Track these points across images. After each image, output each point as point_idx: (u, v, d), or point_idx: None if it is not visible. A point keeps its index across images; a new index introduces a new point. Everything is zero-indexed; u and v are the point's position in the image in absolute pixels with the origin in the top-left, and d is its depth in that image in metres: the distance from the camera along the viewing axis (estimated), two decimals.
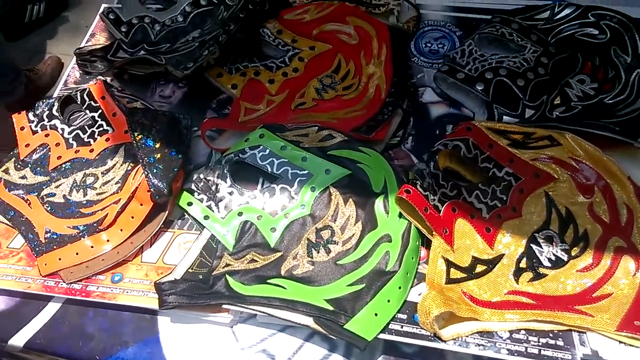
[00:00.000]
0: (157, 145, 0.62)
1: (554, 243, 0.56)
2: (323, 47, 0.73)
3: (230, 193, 0.61)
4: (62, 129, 0.69)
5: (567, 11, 0.70)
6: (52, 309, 0.58)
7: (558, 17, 0.70)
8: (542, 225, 0.57)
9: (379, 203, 0.58)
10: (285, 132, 0.63)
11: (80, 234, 0.61)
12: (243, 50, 0.72)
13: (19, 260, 0.61)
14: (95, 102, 0.70)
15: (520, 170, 0.59)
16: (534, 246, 0.56)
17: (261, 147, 0.62)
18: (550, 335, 0.50)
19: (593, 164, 0.59)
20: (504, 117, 0.65)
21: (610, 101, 0.64)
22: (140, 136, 0.62)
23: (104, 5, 0.84)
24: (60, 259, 0.59)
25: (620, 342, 0.49)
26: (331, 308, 0.52)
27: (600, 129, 0.61)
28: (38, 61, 1.81)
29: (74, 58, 0.78)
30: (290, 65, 0.72)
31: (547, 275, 0.54)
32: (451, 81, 0.67)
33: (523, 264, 0.55)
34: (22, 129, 0.70)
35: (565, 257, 0.55)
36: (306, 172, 0.60)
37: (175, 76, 0.70)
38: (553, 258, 0.55)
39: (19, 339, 0.57)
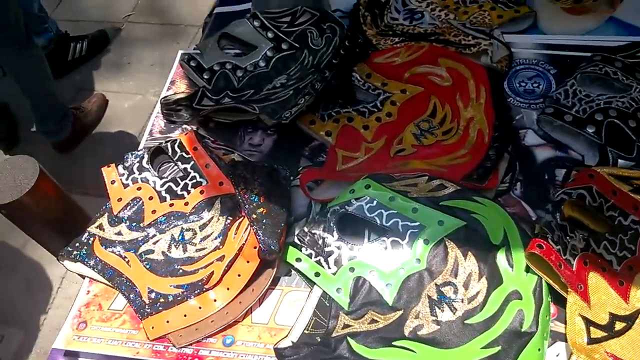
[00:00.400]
0: (261, 200, 0.61)
1: None
2: (415, 90, 0.72)
3: (339, 247, 0.59)
4: (154, 182, 0.69)
5: None
6: None
7: None
8: None
9: (500, 256, 0.56)
10: (393, 182, 0.61)
11: (185, 293, 0.59)
12: (334, 96, 0.71)
13: (122, 323, 0.60)
14: (187, 153, 0.69)
15: None
16: None
17: (368, 198, 0.60)
18: None
19: None
20: (619, 160, 0.62)
21: None
22: (244, 190, 0.61)
23: (180, 52, 0.84)
24: (168, 322, 0.58)
25: None
26: None
27: None
28: (83, 99, 1.84)
29: (158, 106, 0.78)
30: (383, 109, 0.71)
31: None
32: (557, 124, 0.66)
33: None
34: (112, 182, 0.69)
35: None
36: (418, 223, 0.58)
37: (264, 123, 0.70)
38: None
39: None
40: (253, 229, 0.58)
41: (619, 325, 0.52)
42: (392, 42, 0.77)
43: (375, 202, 0.60)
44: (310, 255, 0.59)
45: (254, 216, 0.59)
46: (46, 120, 1.67)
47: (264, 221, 0.59)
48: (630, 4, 0.79)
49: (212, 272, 0.60)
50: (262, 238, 0.58)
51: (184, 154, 0.69)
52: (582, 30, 0.77)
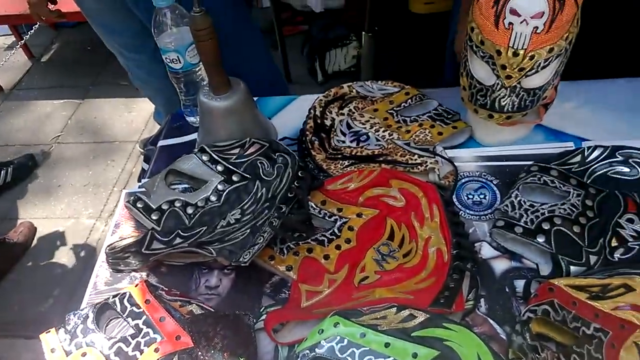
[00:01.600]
0: (225, 355, 0.59)
1: None
2: (370, 213, 0.75)
3: None
4: (102, 345, 0.65)
5: (596, 152, 0.77)
6: None
7: (589, 159, 0.77)
8: None
9: None
10: (362, 317, 0.62)
11: None
12: (294, 229, 0.72)
13: None
14: (138, 307, 0.66)
15: (606, 324, 0.60)
16: None
17: (338, 337, 0.60)
18: None
19: None
20: (571, 267, 0.67)
21: None
22: (206, 348, 0.59)
23: (124, 192, 0.84)
24: None
25: None
26: None
27: None
28: (9, 229, 1.75)
29: (104, 257, 0.76)
30: (342, 236, 0.73)
31: None
32: (509, 235, 0.70)
33: None
34: (52, 350, 0.65)
35: None
36: (392, 358, 0.58)
37: (219, 262, 0.69)
38: None
39: None
40: None
41: None
42: (343, 166, 0.81)
43: (346, 340, 0.60)
44: None
45: None
46: None
47: None
48: (554, 112, 0.90)
49: None
50: None
51: (134, 308, 0.66)
52: (514, 140, 0.86)
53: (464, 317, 0.66)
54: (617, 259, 0.68)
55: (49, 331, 0.66)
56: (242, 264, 0.66)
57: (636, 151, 0.76)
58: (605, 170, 0.77)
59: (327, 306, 0.67)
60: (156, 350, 0.63)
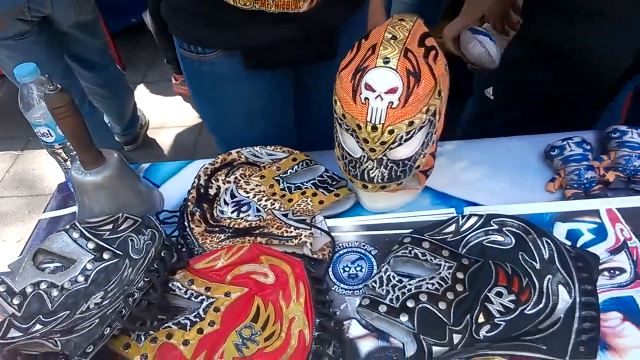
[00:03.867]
0: None
1: None
2: (239, 291, 0.73)
3: None
4: None
5: (471, 221, 0.77)
6: None
7: (464, 228, 0.77)
8: None
9: None
10: None
11: None
12: (157, 314, 0.70)
13: None
14: None
15: None
16: None
17: None
18: None
19: None
20: (434, 347, 0.65)
21: (530, 312, 0.67)
22: None
23: None
24: None
25: None
26: None
27: (529, 350, 0.63)
28: None
29: None
30: (206, 318, 0.71)
31: None
32: (375, 314, 0.69)
33: None
34: None
35: None
36: None
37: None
38: None
39: None
40: None
41: None
42: (219, 240, 0.80)
43: None
44: None
45: None
46: None
47: None
48: (442, 174, 0.90)
49: None
50: None
51: None
52: (399, 205, 0.86)
53: None
54: (482, 336, 0.66)
55: None
56: (84, 358, 0.63)
57: (510, 220, 0.76)
58: (480, 239, 0.76)
59: None
60: None
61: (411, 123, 0.70)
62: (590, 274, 0.70)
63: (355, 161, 0.75)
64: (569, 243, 0.77)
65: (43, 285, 0.76)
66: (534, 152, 0.92)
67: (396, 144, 0.71)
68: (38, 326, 0.72)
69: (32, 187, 2.07)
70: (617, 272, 0.74)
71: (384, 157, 0.73)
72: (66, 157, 0.88)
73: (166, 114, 2.37)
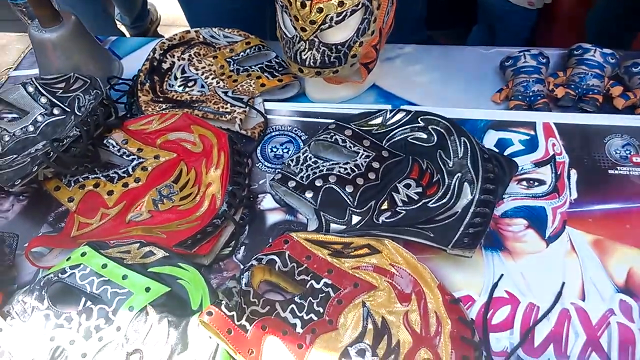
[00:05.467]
0: None
1: (365, 356, 0.58)
2: (168, 156, 0.77)
3: (47, 316, 0.62)
4: None
5: (398, 116, 0.77)
6: None
7: (391, 122, 0.77)
8: (357, 337, 0.59)
9: (194, 322, 0.60)
10: (109, 249, 0.66)
11: None
12: (79, 163, 0.75)
13: None
14: None
15: (339, 281, 0.63)
16: None
17: (82, 265, 0.64)
18: None
19: (410, 271, 0.63)
20: (332, 224, 0.69)
21: (433, 205, 0.69)
22: None
23: None
24: None
25: None
26: None
27: (416, 235, 0.66)
28: None
29: None
30: (133, 175, 0.76)
31: None
32: (286, 189, 0.72)
33: None
34: None
35: None
36: (126, 290, 0.62)
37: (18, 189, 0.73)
38: None
39: None
40: None
41: None
42: (160, 109, 0.83)
43: (88, 269, 0.64)
44: (14, 325, 0.62)
45: None
46: None
47: None
48: (393, 74, 0.89)
49: None
50: None
51: None
52: (343, 98, 0.86)
53: (218, 260, 0.70)
54: (381, 221, 0.69)
55: None
56: (12, 189, 0.70)
57: (437, 118, 0.76)
58: (405, 135, 0.77)
59: (93, 238, 0.70)
60: None
61: (342, 3, 0.69)
62: (498, 176, 0.70)
63: (289, 41, 0.75)
64: (496, 150, 0.77)
65: None
66: (494, 64, 0.90)
67: (326, 25, 0.71)
68: None
69: None
70: (535, 183, 0.75)
71: (316, 39, 0.73)
72: (30, 17, 0.91)
73: (178, 12, 2.35)
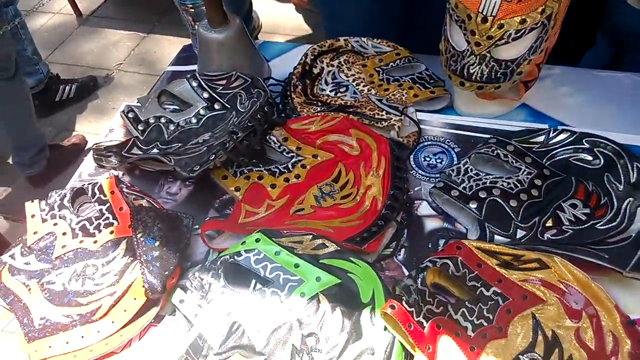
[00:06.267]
0: (157, 244, 0.70)
1: None
2: (325, 156, 0.82)
3: (222, 293, 0.67)
4: (71, 219, 0.78)
5: (562, 136, 0.78)
6: None
7: (553, 141, 0.78)
8: (527, 347, 0.60)
9: (365, 314, 0.63)
10: (281, 238, 0.70)
11: (74, 322, 0.67)
12: (249, 156, 0.81)
13: (11, 344, 0.67)
14: (105, 195, 0.79)
15: (508, 291, 0.64)
16: None
17: (256, 250, 0.69)
18: None
19: (581, 290, 0.64)
20: (496, 236, 0.70)
21: (601, 227, 0.69)
22: (141, 234, 0.70)
23: (125, 103, 0.96)
24: (50, 347, 0.65)
25: None
26: None
27: (590, 255, 0.66)
28: (64, 138, 1.99)
29: (91, 152, 0.89)
30: (293, 171, 0.81)
31: None
32: (445, 197, 0.74)
33: None
34: (32, 216, 0.79)
35: None
36: (297, 277, 0.66)
37: (183, 175, 0.80)
38: None
39: None
40: (141, 270, 0.67)
41: None
42: (315, 111, 0.88)
43: (262, 255, 0.69)
44: (193, 298, 0.67)
45: (145, 258, 0.67)
46: (22, 153, 1.81)
47: (154, 263, 0.68)
48: (543, 95, 0.90)
49: (100, 306, 0.67)
50: (148, 278, 0.66)
51: (101, 196, 0.79)
52: (492, 114, 0.88)
53: (380, 260, 0.72)
54: (546, 238, 0.70)
55: (33, 201, 0.80)
56: (191, 174, 0.76)
57: (604, 141, 0.77)
58: (567, 155, 0.78)
59: (259, 226, 0.75)
60: (111, 232, 0.76)
61: (523, 21, 0.72)
62: None
63: (458, 55, 0.78)
64: None
65: (163, 120, 0.90)
66: None
67: (503, 41, 0.73)
68: (155, 150, 0.86)
69: (152, 67, 2.30)
70: None
71: (488, 54, 0.76)
72: (194, 17, 0.99)
73: (279, 21, 2.47)
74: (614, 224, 0.69)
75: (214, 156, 0.77)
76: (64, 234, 0.77)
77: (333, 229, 0.72)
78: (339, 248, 0.68)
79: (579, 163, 0.77)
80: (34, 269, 0.73)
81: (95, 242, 0.75)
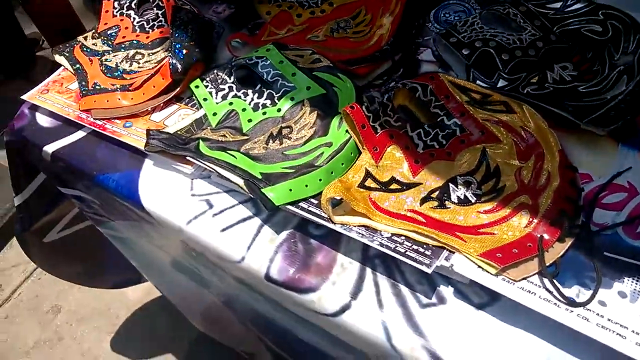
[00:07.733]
0: (187, 38, 0.87)
1: (470, 188, 0.68)
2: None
3: (230, 87, 0.83)
4: (134, 18, 0.98)
5: (578, 5, 0.81)
6: (79, 134, 0.86)
7: (569, 9, 0.81)
8: (467, 172, 0.70)
9: (336, 120, 0.76)
10: (287, 50, 0.83)
11: (116, 89, 0.87)
12: None
13: (70, 97, 0.90)
14: (162, 2, 0.97)
15: (468, 125, 0.73)
16: (451, 185, 0.69)
17: (265, 57, 0.83)
18: (424, 245, 0.63)
19: (537, 135, 0.71)
20: (477, 81, 0.78)
21: (583, 90, 0.74)
22: (176, 28, 0.87)
23: None
24: (95, 102, 0.86)
25: (478, 266, 0.61)
26: (259, 177, 0.71)
27: (555, 106, 0.72)
28: None
29: None
30: (320, 7, 0.92)
31: (449, 208, 0.67)
32: (444, 44, 0.82)
33: (434, 195, 0.69)
34: (106, 12, 1.00)
35: (473, 200, 0.67)
36: (292, 85, 0.80)
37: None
38: (462, 198, 0.68)
39: (51, 148, 0.85)
40: (168, 54, 0.84)
41: (394, 186, 0.70)
42: None
43: (268, 62, 0.83)
44: (207, 86, 0.84)
45: (174, 45, 0.85)
46: None
47: (181, 50, 0.85)
48: None
49: (137, 81, 0.87)
50: (172, 61, 0.84)
51: (160, 2, 0.97)
52: None
53: (369, 87, 0.84)
54: (525, 92, 0.76)
55: (109, 1, 1.01)
56: None
57: (621, 14, 0.78)
58: (579, 25, 0.80)
59: None
60: (161, 32, 0.94)
61: None
62: None
63: None
64: None
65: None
66: None
67: None
68: None
69: None
70: None
71: None
72: None
73: None
74: (596, 88, 0.73)
75: None
76: (126, 28, 0.97)
77: (333, 53, 0.84)
78: (331, 65, 0.80)
79: (588, 34, 0.79)
80: (98, 49, 0.95)
81: (147, 37, 0.95)
